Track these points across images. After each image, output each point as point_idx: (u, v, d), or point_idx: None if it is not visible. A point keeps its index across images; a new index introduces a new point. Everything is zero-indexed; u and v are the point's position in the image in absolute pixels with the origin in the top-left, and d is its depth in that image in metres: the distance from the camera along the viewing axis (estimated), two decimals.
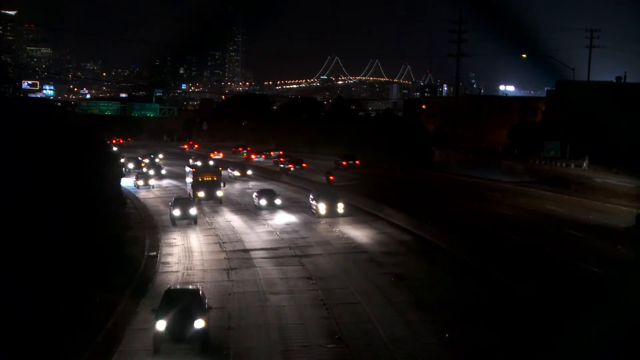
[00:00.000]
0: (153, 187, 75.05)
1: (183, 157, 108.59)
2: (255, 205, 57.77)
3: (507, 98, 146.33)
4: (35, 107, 67.30)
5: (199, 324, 23.84)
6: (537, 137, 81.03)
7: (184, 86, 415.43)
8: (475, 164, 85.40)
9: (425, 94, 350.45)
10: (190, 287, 29.34)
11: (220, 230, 49.06)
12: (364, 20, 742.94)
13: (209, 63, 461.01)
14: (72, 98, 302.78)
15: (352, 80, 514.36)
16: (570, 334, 23.86)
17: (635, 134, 65.08)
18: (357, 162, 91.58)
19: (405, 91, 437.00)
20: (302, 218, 52.43)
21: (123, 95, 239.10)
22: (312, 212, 53.09)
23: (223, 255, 40.76)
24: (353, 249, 41.46)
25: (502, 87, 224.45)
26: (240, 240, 45.10)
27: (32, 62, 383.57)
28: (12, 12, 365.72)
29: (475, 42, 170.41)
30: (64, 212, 29.26)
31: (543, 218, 49.98)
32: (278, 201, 57.09)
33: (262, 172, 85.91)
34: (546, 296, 28.57)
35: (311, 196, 54.72)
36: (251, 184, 75.51)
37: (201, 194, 59.66)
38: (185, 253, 41.65)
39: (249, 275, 35.43)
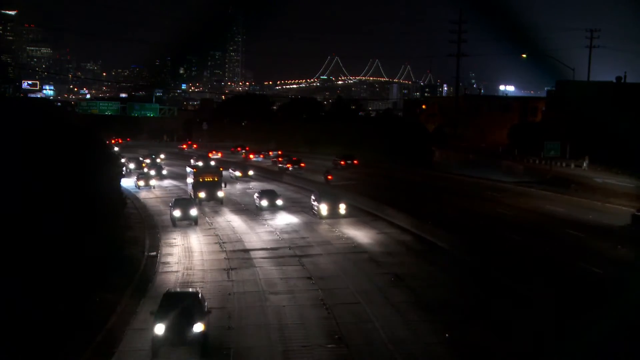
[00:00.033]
0: (154, 187, 74.65)
1: (184, 157, 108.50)
2: (257, 206, 57.54)
3: (507, 98, 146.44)
4: (35, 107, 67.27)
5: (198, 327, 23.59)
6: (537, 137, 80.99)
7: (184, 86, 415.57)
8: (475, 164, 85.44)
9: (425, 94, 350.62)
10: (190, 290, 29.14)
11: (220, 230, 49.05)
12: (364, 20, 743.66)
13: (209, 63, 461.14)
14: (72, 98, 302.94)
15: (352, 80, 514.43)
16: (570, 334, 23.86)
17: (635, 134, 65.02)
18: (355, 162, 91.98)
19: (405, 91, 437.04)
20: (303, 219, 52.18)
21: (123, 95, 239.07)
22: (314, 213, 52.78)
23: (223, 255, 40.75)
24: (353, 249, 41.44)
25: (502, 87, 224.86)
26: (240, 240, 45.08)
27: (32, 62, 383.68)
28: (12, 12, 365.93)
29: (475, 42, 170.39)
30: (64, 212, 29.24)
31: (543, 218, 49.98)
32: (279, 202, 56.81)
33: (264, 173, 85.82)
34: (546, 296, 28.55)
35: (313, 197, 54.40)
36: (252, 184, 75.36)
37: (202, 194, 59.30)
38: (185, 253, 41.64)
39: (249, 275, 35.43)
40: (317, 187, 62.34)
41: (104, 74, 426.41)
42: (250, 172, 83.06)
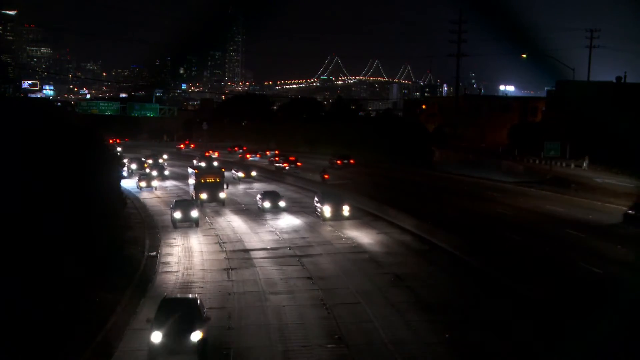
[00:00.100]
0: (156, 188, 73.76)
1: (187, 158, 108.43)
2: (259, 207, 56.76)
3: (507, 98, 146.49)
4: (35, 107, 67.24)
5: (196, 336, 22.92)
6: (537, 137, 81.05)
7: (184, 86, 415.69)
8: (475, 164, 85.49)
9: (425, 94, 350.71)
10: (190, 296, 28.03)
11: (220, 230, 49.04)
12: (364, 20, 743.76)
13: (209, 63, 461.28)
14: (72, 98, 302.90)
15: (352, 80, 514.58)
16: (570, 334, 23.86)
17: (635, 134, 65.05)
18: (351, 161, 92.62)
19: (405, 91, 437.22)
20: (306, 220, 51.54)
21: (123, 95, 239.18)
22: (317, 215, 51.99)
23: (223, 255, 40.75)
24: (353, 249, 41.42)
25: (502, 87, 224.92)
26: (240, 240, 45.06)
27: (32, 62, 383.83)
28: (12, 12, 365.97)
29: (475, 42, 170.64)
30: (64, 212, 29.23)
31: (543, 218, 49.99)
32: (282, 203, 56.03)
33: (266, 174, 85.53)
34: (546, 296, 28.54)
35: (316, 198, 53.44)
36: (255, 185, 75.03)
37: (204, 195, 58.47)
38: (185, 253, 41.64)
39: (249, 275, 35.42)
40: (320, 188, 61.85)
41: (104, 74, 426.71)
42: (253, 173, 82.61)
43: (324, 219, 50.38)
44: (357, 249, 41.16)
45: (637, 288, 30.56)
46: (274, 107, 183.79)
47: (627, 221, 45.27)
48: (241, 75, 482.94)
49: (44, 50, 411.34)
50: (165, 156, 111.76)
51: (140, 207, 60.68)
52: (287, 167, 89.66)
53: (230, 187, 64.92)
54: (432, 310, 28.37)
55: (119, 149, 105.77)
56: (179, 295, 28.78)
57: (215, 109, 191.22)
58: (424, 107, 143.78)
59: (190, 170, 66.04)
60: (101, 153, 47.93)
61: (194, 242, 44.80)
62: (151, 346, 23.03)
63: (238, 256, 40.13)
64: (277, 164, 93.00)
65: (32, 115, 42.65)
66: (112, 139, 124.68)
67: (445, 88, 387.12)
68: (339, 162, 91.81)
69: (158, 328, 23.12)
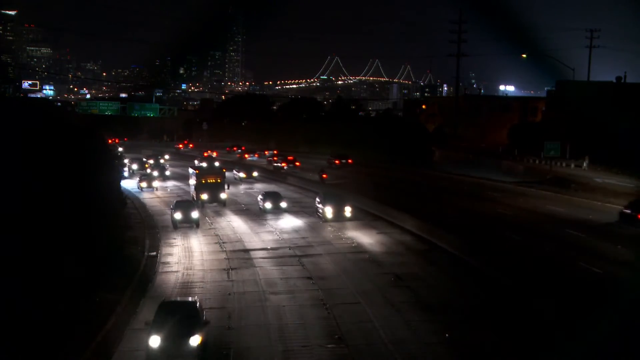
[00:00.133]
0: (157, 189, 73.27)
1: (188, 158, 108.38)
2: (260, 208, 56.23)
3: (507, 98, 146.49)
4: (35, 107, 67.22)
5: (195, 340, 22.62)
6: (537, 137, 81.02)
7: (184, 86, 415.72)
8: (475, 164, 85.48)
9: (425, 94, 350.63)
10: (189, 299, 27.44)
11: (220, 230, 49.03)
12: (364, 20, 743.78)
13: (209, 63, 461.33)
14: (72, 98, 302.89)
15: (352, 80, 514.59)
16: (570, 334, 23.86)
17: (635, 134, 65.11)
18: (349, 161, 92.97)
19: (405, 91, 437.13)
20: (308, 221, 51.11)
21: (123, 95, 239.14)
22: (319, 216, 51.54)
23: (223, 255, 40.75)
24: (353, 249, 41.42)
25: (502, 87, 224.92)
26: (240, 241, 45.06)
27: (32, 62, 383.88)
28: (12, 12, 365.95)
29: (475, 42, 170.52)
30: (64, 212, 29.24)
31: (543, 218, 49.99)
32: (284, 204, 55.50)
33: (268, 174, 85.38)
34: (546, 296, 28.53)
35: (318, 199, 52.96)
36: (256, 185, 74.76)
37: (204, 196, 57.99)
38: (185, 253, 41.63)
39: (249, 275, 35.42)
40: (322, 189, 61.54)
41: (104, 74, 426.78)
42: (255, 174, 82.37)
43: (326, 220, 49.95)
44: (357, 249, 41.15)
45: (637, 288, 30.57)
46: (274, 107, 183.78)
47: (623, 220, 45.71)
48: (241, 75, 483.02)
49: (44, 50, 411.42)
50: (166, 156, 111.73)
51: (140, 206, 60.68)
52: (285, 167, 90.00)
53: (231, 187, 64.69)
54: (432, 310, 28.38)
55: (120, 149, 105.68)
56: (178, 299, 28.39)
57: (215, 109, 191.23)
58: (424, 107, 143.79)
59: (191, 170, 65.43)
60: (101, 153, 47.95)
61: (194, 242, 44.79)
62: (149, 351, 22.72)
63: (238, 256, 40.13)
64: (275, 164, 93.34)
65: (32, 116, 42.67)
66: (111, 139, 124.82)
67: (445, 88, 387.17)
68: (337, 161, 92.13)
69: (156, 332, 22.80)
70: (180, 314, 23.61)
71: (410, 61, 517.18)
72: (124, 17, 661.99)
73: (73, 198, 31.12)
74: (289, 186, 73.38)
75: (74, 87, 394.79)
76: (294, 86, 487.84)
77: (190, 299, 27.20)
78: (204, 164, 75.83)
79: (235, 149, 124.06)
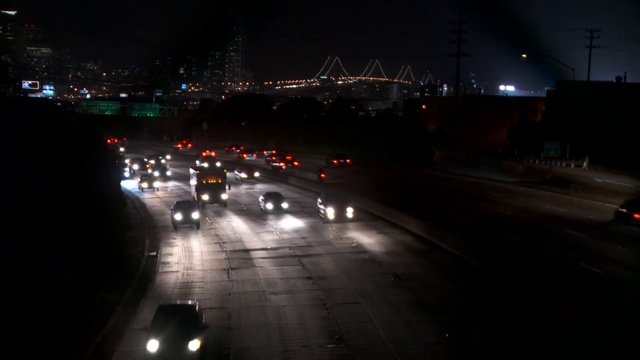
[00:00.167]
0: (158, 189, 72.80)
1: (188, 158, 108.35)
2: (261, 209, 55.74)
3: (507, 98, 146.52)
4: (35, 107, 67.19)
5: (194, 345, 22.21)
6: (537, 137, 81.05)
7: (184, 86, 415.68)
8: (475, 164, 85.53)
9: (425, 94, 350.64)
10: (186, 302, 26.66)
11: (220, 230, 49.02)
12: (364, 20, 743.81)
13: (209, 63, 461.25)
14: (72, 98, 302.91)
15: (352, 80, 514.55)
16: (570, 334, 23.85)
17: (635, 134, 65.13)
18: (347, 160, 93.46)
19: (405, 91, 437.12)
20: (309, 222, 50.74)
21: (123, 95, 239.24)
22: (320, 217, 51.14)
23: (223, 255, 40.75)
24: (353, 249, 41.43)
25: (502, 87, 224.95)
26: (240, 241, 45.06)
27: (32, 62, 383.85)
28: (12, 12, 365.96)
29: (475, 42, 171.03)
30: (64, 212, 29.23)
31: (543, 218, 50.00)
32: (285, 205, 54.95)
33: (269, 174, 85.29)
34: (546, 296, 28.53)
35: (319, 200, 52.55)
36: (258, 186, 74.44)
37: (205, 197, 57.52)
38: (185, 253, 41.63)
39: (249, 275, 35.42)
40: (324, 189, 61.29)
41: (104, 74, 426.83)
42: (256, 174, 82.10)
43: (327, 221, 49.53)
44: (357, 249, 41.15)
45: (637, 288, 30.58)
46: (274, 107, 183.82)
47: (619, 219, 46.06)
48: (241, 75, 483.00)
49: (44, 50, 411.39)
50: (168, 157, 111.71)
51: (140, 207, 60.67)
52: (283, 167, 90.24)
53: (232, 187, 64.24)
54: (432, 310, 28.38)
55: (122, 149, 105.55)
56: (178, 302, 27.92)
57: (215, 109, 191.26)
58: (424, 107, 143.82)
59: (191, 171, 64.65)
60: (101, 153, 47.94)
61: (194, 242, 44.78)
62: (147, 355, 22.41)
63: (238, 256, 40.13)
64: (273, 164, 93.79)
65: (32, 116, 42.66)
66: (109, 139, 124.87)
67: (445, 88, 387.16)
68: (335, 161, 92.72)
69: (154, 336, 22.43)
70: (178, 318, 23.18)
71: (410, 61, 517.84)
72: (124, 17, 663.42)
73: (73, 198, 31.11)
74: (290, 186, 73.34)
75: (74, 87, 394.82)
76: (294, 86, 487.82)
77: (189, 302, 26.47)
78: (206, 165, 75.57)
79: (234, 148, 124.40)
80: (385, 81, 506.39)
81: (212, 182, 58.25)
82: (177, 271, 36.96)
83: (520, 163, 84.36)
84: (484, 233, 43.17)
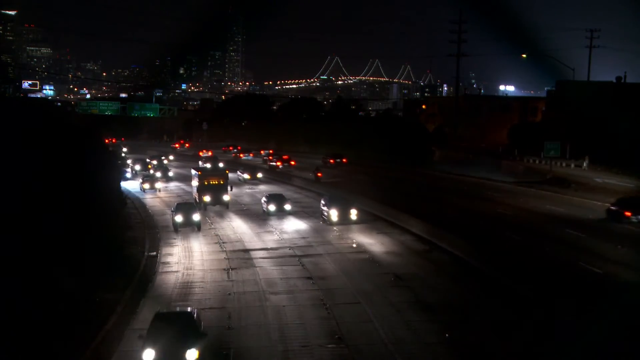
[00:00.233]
0: (160, 190, 72.36)
1: (190, 158, 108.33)
2: (264, 210, 55.19)
3: (507, 98, 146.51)
4: (35, 107, 67.21)
5: (192, 354, 21.51)
6: (537, 137, 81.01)
7: (184, 86, 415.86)
8: (475, 164, 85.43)
9: (425, 94, 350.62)
10: (185, 309, 26.05)
11: (220, 230, 49.00)
12: (364, 20, 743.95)
13: (209, 63, 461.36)
14: (72, 98, 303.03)
15: (352, 80, 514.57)
16: (570, 334, 23.85)
17: (635, 134, 65.12)
18: (344, 160, 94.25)
19: (405, 91, 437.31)
20: (312, 224, 50.19)
21: (123, 95, 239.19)
22: (324, 219, 50.60)
23: (223, 255, 40.74)
24: (353, 249, 41.43)
25: (502, 87, 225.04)
26: (240, 241, 45.06)
27: (32, 62, 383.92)
28: (12, 12, 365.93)
29: (475, 42, 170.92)
30: (64, 212, 29.24)
31: (543, 218, 49.96)
32: (288, 206, 54.18)
33: (272, 175, 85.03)
34: (546, 296, 28.53)
35: (322, 202, 52.04)
36: (260, 187, 74.11)
37: (207, 198, 56.71)
38: (186, 253, 41.62)
39: (249, 275, 35.41)
40: (322, 188, 61.17)
41: (104, 74, 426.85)
42: (259, 175, 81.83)
43: (331, 223, 49.01)
44: (358, 249, 41.13)
45: (637, 288, 30.57)
46: (274, 107, 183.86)
47: (611, 217, 46.58)
48: (241, 75, 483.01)
49: (44, 50, 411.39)
50: (171, 157, 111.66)
51: (140, 207, 60.66)
52: (280, 166, 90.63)
53: (235, 188, 63.63)
54: (432, 310, 28.37)
55: (124, 149, 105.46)
56: (177, 309, 27.63)
57: (215, 109, 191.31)
58: (424, 107, 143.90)
59: (193, 171, 63.49)
60: (101, 153, 47.97)
61: (194, 243, 44.77)
62: None
63: (238, 256, 40.12)
64: (270, 163, 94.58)
65: (32, 116, 42.67)
66: (108, 139, 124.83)
67: (445, 88, 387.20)
68: (331, 161, 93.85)
69: (151, 345, 21.68)
70: (176, 326, 22.51)
71: (410, 61, 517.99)
72: (124, 17, 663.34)
73: (73, 198, 31.11)
74: (292, 187, 73.25)
75: (74, 87, 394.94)
76: (294, 86, 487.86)
77: (188, 309, 25.68)
78: (208, 165, 75.08)
79: (231, 148, 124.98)
80: (385, 81, 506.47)
81: (214, 183, 57.37)
82: (177, 271, 36.96)
83: (520, 163, 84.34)
84: (484, 233, 43.14)
